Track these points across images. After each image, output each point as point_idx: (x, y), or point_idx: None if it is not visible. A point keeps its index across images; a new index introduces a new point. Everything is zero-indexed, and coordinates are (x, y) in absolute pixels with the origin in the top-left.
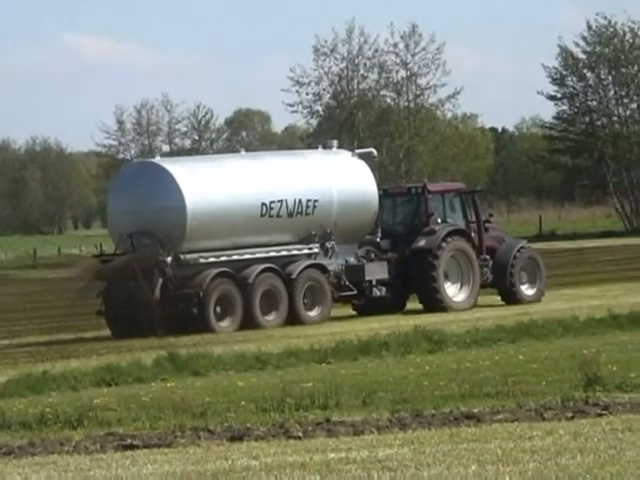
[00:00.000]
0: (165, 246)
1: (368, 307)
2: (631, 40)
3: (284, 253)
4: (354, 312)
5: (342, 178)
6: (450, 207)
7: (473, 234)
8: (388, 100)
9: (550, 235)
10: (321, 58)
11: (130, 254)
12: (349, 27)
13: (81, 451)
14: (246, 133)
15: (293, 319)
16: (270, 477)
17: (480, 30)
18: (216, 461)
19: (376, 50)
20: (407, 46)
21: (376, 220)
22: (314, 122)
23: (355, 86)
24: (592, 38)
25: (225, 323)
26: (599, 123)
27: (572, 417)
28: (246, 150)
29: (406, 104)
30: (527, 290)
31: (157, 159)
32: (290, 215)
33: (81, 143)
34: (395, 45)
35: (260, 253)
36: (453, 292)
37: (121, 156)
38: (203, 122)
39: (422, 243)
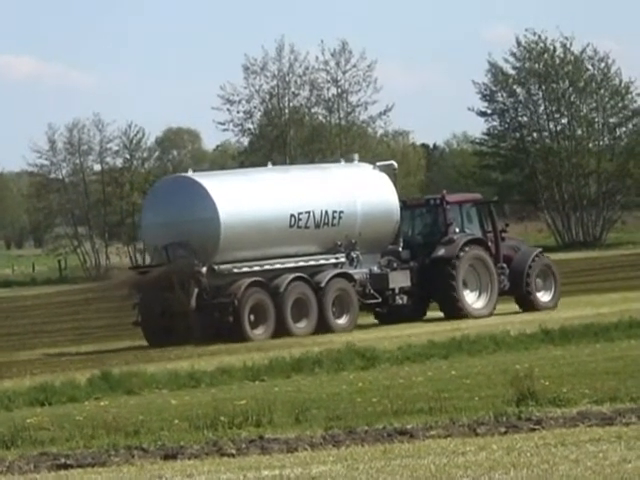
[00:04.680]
0: (200, 257)
1: (390, 315)
2: (562, 55)
3: (312, 263)
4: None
5: (365, 190)
6: (467, 217)
7: (490, 243)
8: (320, 117)
9: None
10: (251, 76)
11: (166, 265)
12: (279, 45)
13: (15, 471)
14: (177, 152)
15: (322, 327)
16: None
17: (411, 47)
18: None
19: (307, 68)
20: (338, 63)
21: (398, 230)
22: (246, 140)
23: (286, 104)
24: (522, 54)
25: (259, 331)
26: (530, 138)
27: (505, 432)
28: (175, 170)
29: (337, 121)
30: (543, 297)
31: (190, 173)
32: (317, 226)
33: (13, 163)
34: (326, 62)
35: (290, 263)
36: (472, 299)
37: (53, 175)
38: (135, 141)
39: (442, 252)
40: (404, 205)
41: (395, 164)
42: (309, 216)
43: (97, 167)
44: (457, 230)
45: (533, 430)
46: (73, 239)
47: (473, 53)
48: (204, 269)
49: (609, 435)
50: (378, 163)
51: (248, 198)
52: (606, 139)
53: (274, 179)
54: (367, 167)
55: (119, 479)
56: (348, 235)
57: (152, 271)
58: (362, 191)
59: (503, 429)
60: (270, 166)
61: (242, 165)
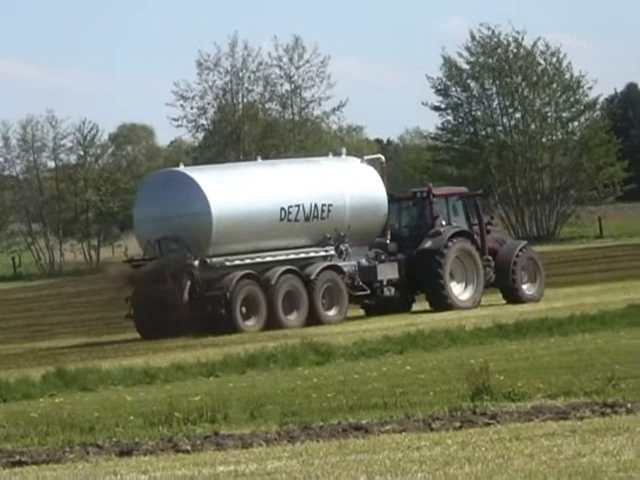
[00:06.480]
0: (192, 250)
1: (378, 307)
2: (515, 50)
3: (302, 255)
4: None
5: (354, 183)
6: (453, 210)
7: (476, 236)
8: (273, 113)
9: None
10: (205, 72)
11: (159, 259)
12: (232, 41)
13: None
14: (131, 148)
15: (313, 319)
16: None
17: (364, 41)
18: (105, 476)
19: (260, 63)
20: (291, 59)
21: (385, 223)
22: (200, 136)
23: (240, 99)
24: (476, 48)
25: (250, 322)
26: (483, 133)
27: (460, 427)
28: (129, 165)
29: (291, 117)
30: (528, 289)
31: (182, 168)
32: (307, 219)
33: None
34: (279, 58)
35: (280, 256)
36: (458, 291)
37: (7, 172)
38: (88, 138)
39: (429, 244)
40: (391, 198)
41: (382, 158)
42: (299, 209)
43: (51, 164)
44: (444, 223)
45: (488, 425)
46: (27, 236)
47: (427, 47)
48: (196, 262)
49: (563, 429)
50: (366, 157)
51: (239, 192)
52: (559, 134)
53: (264, 173)
54: (355, 161)
55: (74, 476)
56: (337, 228)
57: (145, 265)
58: (351, 184)
59: (458, 424)
60: (260, 160)
61: (196, 161)
